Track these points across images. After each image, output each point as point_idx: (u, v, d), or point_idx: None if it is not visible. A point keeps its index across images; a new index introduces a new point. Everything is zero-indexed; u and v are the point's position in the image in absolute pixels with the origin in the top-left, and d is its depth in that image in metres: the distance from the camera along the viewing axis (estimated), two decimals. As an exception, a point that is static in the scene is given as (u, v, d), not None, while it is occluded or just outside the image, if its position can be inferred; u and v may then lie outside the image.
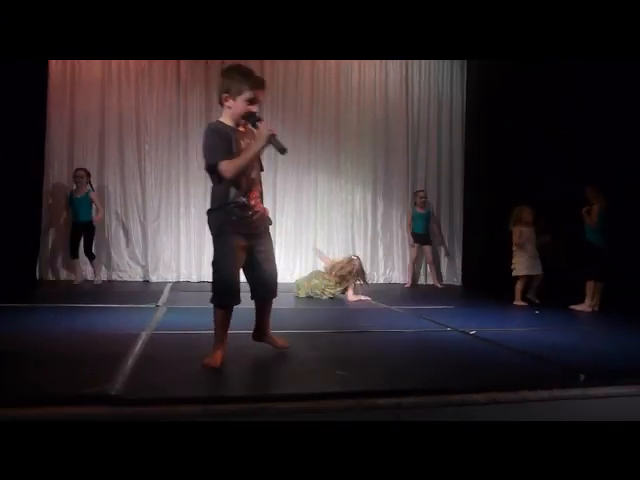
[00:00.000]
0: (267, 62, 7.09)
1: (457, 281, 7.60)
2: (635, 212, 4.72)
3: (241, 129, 2.49)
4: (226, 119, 2.48)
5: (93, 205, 6.30)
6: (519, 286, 5.46)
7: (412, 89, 7.63)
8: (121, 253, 6.91)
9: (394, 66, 7.61)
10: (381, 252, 7.54)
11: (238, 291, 2.50)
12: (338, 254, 6.64)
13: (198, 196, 6.93)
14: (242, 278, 2.58)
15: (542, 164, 5.96)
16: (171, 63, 6.92)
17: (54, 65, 6.63)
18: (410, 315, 4.55)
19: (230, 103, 2.44)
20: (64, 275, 6.68)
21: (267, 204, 2.73)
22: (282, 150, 2.42)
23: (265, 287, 2.63)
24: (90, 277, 6.45)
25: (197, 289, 6.22)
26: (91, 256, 6.29)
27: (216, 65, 6.90)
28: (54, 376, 2.28)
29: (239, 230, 2.47)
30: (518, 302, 5.38)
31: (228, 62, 2.96)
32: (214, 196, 2.52)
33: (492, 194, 6.74)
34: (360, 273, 5.51)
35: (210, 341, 2.54)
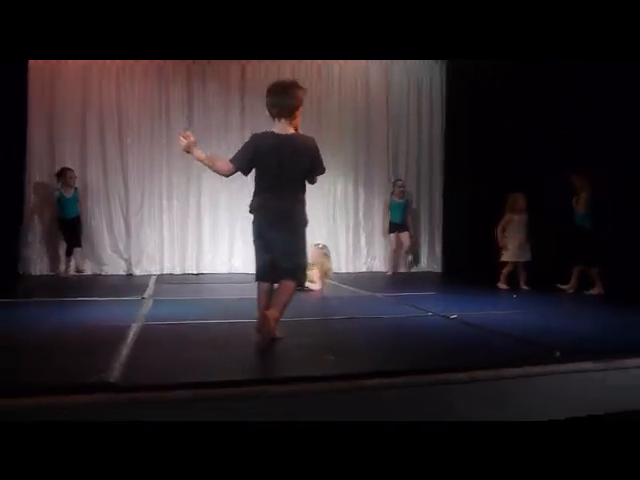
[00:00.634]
0: (249, 64, 7.16)
1: (437, 268, 7.76)
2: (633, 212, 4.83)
3: None
4: (298, 129, 2.97)
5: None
6: (505, 270, 5.64)
7: (392, 78, 7.71)
8: (104, 247, 6.91)
9: (375, 71, 7.67)
10: (363, 241, 7.65)
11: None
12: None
13: (181, 187, 6.97)
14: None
15: (516, 152, 6.10)
16: (152, 62, 6.87)
17: (34, 60, 6.57)
18: (393, 302, 4.67)
19: (299, 116, 2.96)
20: (46, 270, 6.69)
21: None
22: None
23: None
24: (75, 270, 6.55)
25: (181, 281, 6.27)
26: (79, 246, 6.53)
27: (197, 63, 6.94)
28: (51, 366, 2.34)
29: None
30: (502, 285, 5.57)
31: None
32: (301, 195, 2.92)
33: (472, 183, 6.88)
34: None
35: (199, 330, 2.71)
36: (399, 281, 6.71)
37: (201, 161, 2.86)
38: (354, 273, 7.33)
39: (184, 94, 6.99)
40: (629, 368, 2.46)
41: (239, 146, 2.97)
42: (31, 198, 6.65)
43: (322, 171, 2.95)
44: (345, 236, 7.54)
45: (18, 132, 6.31)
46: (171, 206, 7.03)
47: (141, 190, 6.97)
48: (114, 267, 6.91)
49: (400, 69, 7.74)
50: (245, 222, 7.07)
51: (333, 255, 6.13)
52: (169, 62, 6.94)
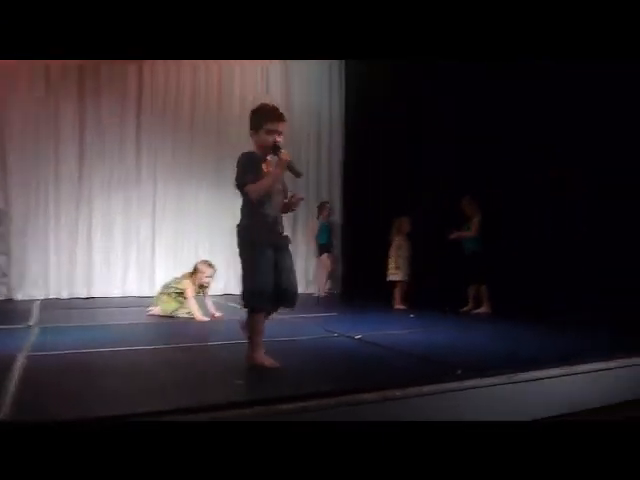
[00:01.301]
0: (147, 65, 7.00)
1: (336, 289, 7.90)
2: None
3: (268, 158, 2.84)
4: (255, 150, 2.85)
5: None
6: (397, 291, 5.84)
7: (293, 97, 7.85)
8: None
9: (275, 79, 7.81)
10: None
11: (271, 297, 2.77)
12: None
13: (70, 203, 6.61)
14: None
15: (418, 174, 6.37)
16: (39, 63, 6.43)
17: None
18: (301, 323, 4.67)
19: (255, 136, 2.83)
20: None
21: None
22: (298, 174, 2.80)
23: (285, 297, 2.89)
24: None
25: (69, 306, 5.85)
26: None
27: (90, 65, 6.59)
28: None
29: (269, 242, 2.78)
30: (399, 305, 5.76)
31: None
32: (245, 212, 2.84)
33: (368, 204, 7.14)
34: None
35: (90, 360, 2.78)
36: (300, 303, 6.69)
37: (275, 177, 2.78)
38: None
39: (74, 104, 6.65)
40: (527, 381, 2.66)
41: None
42: None
43: (236, 182, 2.85)
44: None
45: None
46: (59, 226, 6.59)
47: (25, 208, 6.47)
48: (-9, 292, 6.31)
49: (300, 88, 7.93)
50: (141, 245, 6.85)
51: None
52: (58, 69, 6.53)
